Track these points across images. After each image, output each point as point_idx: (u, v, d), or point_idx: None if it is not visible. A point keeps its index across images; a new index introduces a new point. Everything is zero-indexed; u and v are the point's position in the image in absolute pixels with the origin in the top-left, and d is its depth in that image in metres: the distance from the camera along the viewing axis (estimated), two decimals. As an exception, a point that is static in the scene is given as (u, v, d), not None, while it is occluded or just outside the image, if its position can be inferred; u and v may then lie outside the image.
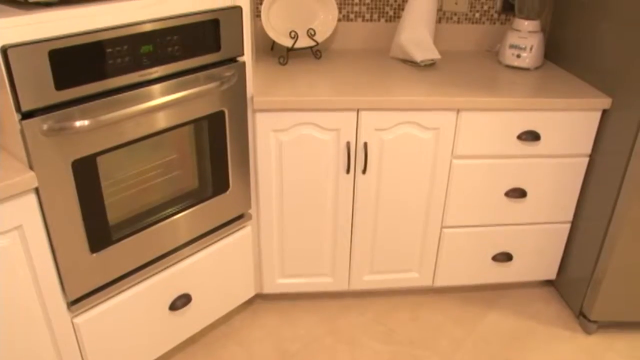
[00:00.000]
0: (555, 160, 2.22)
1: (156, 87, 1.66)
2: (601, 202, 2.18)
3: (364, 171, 2.15)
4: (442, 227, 2.32)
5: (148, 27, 1.59)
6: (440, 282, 2.45)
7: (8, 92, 1.34)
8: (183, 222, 1.92)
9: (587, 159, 2.23)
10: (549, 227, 2.37)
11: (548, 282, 2.63)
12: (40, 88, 1.39)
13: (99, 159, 1.59)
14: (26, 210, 1.46)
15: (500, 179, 2.23)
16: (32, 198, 1.46)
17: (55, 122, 1.43)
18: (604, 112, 2.14)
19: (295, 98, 1.99)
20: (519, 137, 2.14)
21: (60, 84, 1.42)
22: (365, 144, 2.10)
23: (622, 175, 2.05)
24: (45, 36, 1.38)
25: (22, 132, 1.39)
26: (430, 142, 2.12)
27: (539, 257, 2.44)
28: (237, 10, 1.82)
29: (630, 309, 2.27)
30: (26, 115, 1.39)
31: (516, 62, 2.39)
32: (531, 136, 2.14)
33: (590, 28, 2.23)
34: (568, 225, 2.38)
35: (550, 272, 2.49)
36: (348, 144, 2.09)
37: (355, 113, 2.04)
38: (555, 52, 2.51)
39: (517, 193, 2.26)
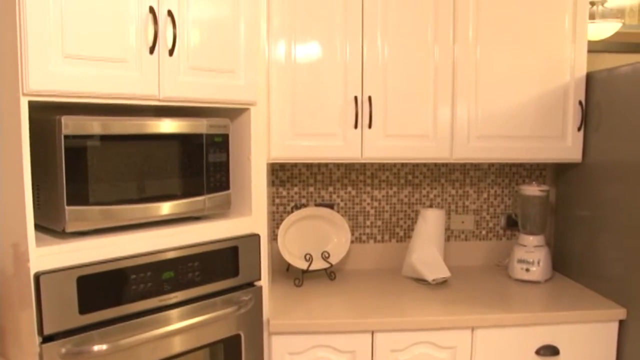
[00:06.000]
0: (580, 375, 2.15)
1: (174, 312, 1.71)
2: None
3: (382, 393, 2.08)
4: None
5: (171, 255, 1.70)
6: None
7: (34, 316, 1.41)
8: None
9: (613, 373, 2.16)
10: None
11: None
12: (65, 312, 1.45)
13: (113, 384, 1.59)
14: None
15: (525, 398, 2.14)
16: None
17: (74, 346, 1.47)
18: (621, 322, 2.12)
19: (310, 321, 2.02)
20: (537, 352, 2.10)
21: (84, 309, 1.49)
22: (382, 365, 2.07)
23: (653, 390, 1.97)
24: (76, 263, 1.49)
25: (40, 355, 1.42)
26: (447, 361, 2.09)
27: None
28: (256, 238, 1.95)
29: None
30: (47, 339, 1.44)
31: (526, 276, 2.45)
32: (550, 351, 2.10)
33: (593, 240, 2.32)
34: None
35: None
36: (364, 364, 2.07)
37: (370, 335, 2.05)
38: (562, 263, 2.57)
39: (545, 413, 2.14)
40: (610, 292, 2.21)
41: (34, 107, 1.44)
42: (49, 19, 1.41)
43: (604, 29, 3.15)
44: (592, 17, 2.92)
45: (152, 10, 1.61)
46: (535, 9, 2.32)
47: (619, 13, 3.18)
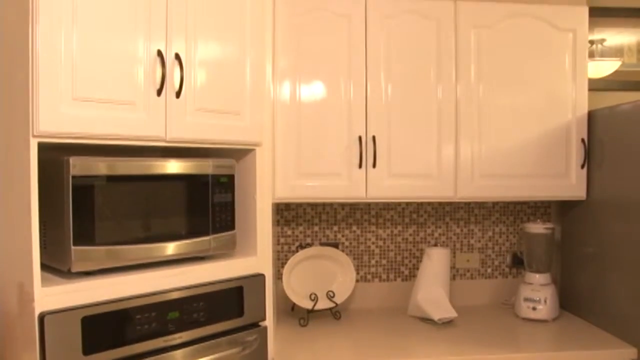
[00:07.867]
0: (592, 417, 2.10)
1: (179, 352, 1.69)
2: None
3: None
4: None
5: (176, 295, 1.69)
6: None
7: (37, 357, 1.40)
8: None
9: (625, 416, 2.12)
10: None
11: None
12: (68, 353, 1.44)
13: None
14: None
15: None
16: None
17: (78, 389, 1.45)
18: (632, 362, 2.10)
19: (316, 362, 2.01)
20: (548, 392, 2.07)
21: (88, 350, 1.47)
22: (389, 405, 2.04)
23: None
24: (81, 303, 1.48)
25: (44, 400, 1.41)
26: (456, 401, 2.06)
27: None
28: (261, 278, 1.94)
29: None
30: (51, 382, 1.42)
31: (533, 315, 2.42)
32: (560, 391, 2.07)
33: (600, 277, 2.30)
34: None
35: None
36: (371, 406, 2.03)
37: (376, 376, 2.03)
38: (570, 302, 2.55)
39: None
40: (619, 331, 2.18)
41: (41, 147, 1.46)
42: (59, 62, 1.44)
43: (603, 67, 3.19)
44: (591, 55, 2.96)
45: (159, 53, 1.64)
46: (536, 48, 2.36)
47: (617, 52, 3.23)
